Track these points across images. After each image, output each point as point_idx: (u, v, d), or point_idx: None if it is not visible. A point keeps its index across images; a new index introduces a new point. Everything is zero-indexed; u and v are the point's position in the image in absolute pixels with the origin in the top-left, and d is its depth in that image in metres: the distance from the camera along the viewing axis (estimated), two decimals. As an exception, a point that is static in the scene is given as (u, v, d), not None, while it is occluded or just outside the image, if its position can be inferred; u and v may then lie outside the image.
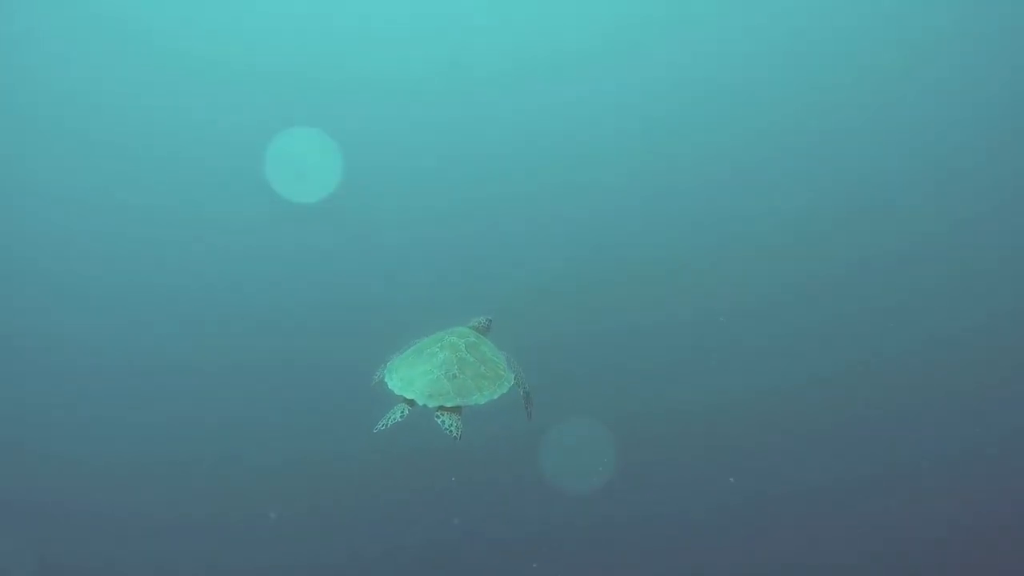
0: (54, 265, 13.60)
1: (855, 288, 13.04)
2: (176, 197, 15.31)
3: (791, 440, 9.78)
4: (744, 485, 9.06)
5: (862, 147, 16.24)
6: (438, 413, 4.23)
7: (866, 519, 8.61)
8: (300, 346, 11.33)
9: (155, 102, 16.18)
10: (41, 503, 8.92)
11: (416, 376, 4.39)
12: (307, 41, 17.75)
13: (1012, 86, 15.90)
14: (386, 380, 4.47)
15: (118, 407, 10.65)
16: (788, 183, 15.91)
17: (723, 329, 12.08)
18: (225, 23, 16.98)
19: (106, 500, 9.02)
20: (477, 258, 14.87)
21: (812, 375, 10.90)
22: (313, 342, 11.40)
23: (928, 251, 13.58)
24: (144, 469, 9.50)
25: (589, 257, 14.45)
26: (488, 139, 17.70)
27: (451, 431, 4.16)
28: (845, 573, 8.11)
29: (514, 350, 5.07)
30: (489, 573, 8.38)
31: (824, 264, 13.67)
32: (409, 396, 4.28)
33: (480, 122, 17.86)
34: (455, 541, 8.52)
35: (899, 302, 12.50)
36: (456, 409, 4.28)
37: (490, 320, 5.33)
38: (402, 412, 4.28)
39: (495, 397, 4.37)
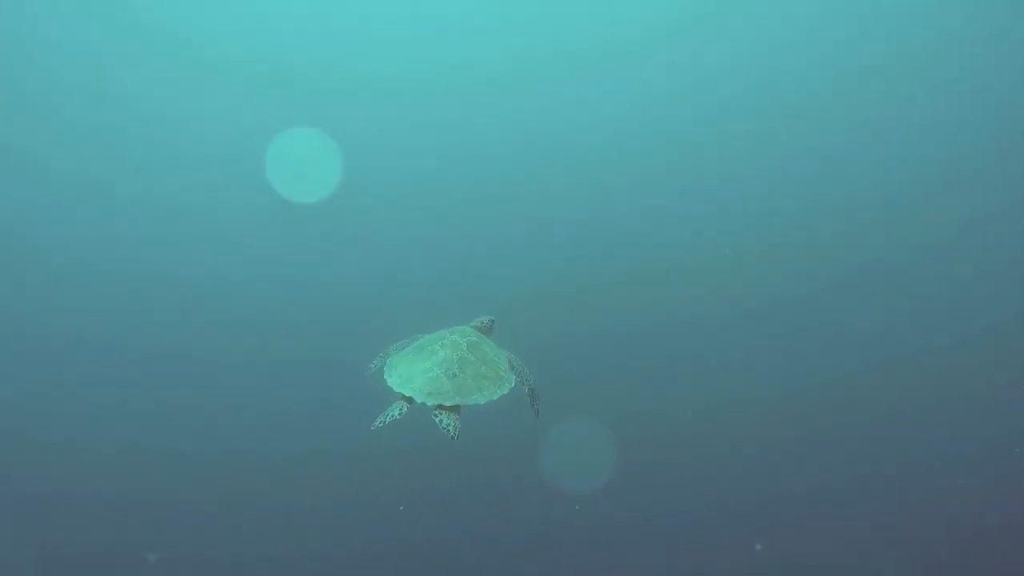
0: (56, 256, 13.64)
1: (855, 290, 13.04)
2: (175, 196, 15.30)
3: (791, 441, 9.78)
4: (744, 485, 9.06)
5: (863, 149, 16.22)
6: (436, 412, 4.17)
7: (866, 520, 8.61)
8: (300, 345, 11.34)
9: (155, 100, 16.16)
10: (39, 489, 8.96)
11: (416, 373, 4.32)
12: (307, 41, 17.74)
13: (1018, 87, 15.89)
14: (385, 377, 4.41)
15: (115, 396, 10.69)
16: (790, 185, 15.91)
17: (723, 330, 12.08)
18: (224, 23, 16.97)
19: (103, 487, 9.05)
20: (477, 258, 14.86)
21: (812, 377, 10.91)
22: (313, 341, 11.41)
23: (931, 253, 13.57)
24: (142, 458, 9.54)
25: (589, 258, 14.45)
26: (488, 139, 17.69)
27: (449, 430, 4.10)
28: (845, 573, 8.11)
29: (515, 350, 5.05)
30: (488, 572, 8.38)
31: (825, 266, 13.67)
32: (408, 393, 4.22)
33: (480, 122, 17.85)
34: (454, 540, 8.52)
35: (899, 304, 12.49)
36: (455, 408, 4.22)
37: (492, 320, 5.24)
38: (400, 409, 4.23)
39: (495, 398, 4.30)
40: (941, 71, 16.55)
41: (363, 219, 15.41)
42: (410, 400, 4.25)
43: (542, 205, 15.98)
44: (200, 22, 16.93)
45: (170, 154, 15.99)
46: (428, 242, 15.13)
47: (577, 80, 18.18)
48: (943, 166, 15.39)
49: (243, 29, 17.20)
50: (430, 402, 4.15)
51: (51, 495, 8.93)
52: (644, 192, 16.37)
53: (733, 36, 17.82)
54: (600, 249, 14.69)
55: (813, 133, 16.70)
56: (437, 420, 4.14)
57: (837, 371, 10.99)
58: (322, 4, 17.91)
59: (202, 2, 16.87)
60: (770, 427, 9.99)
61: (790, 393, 10.64)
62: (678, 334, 12.16)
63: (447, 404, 4.16)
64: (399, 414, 4.20)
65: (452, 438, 4.09)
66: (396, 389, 4.29)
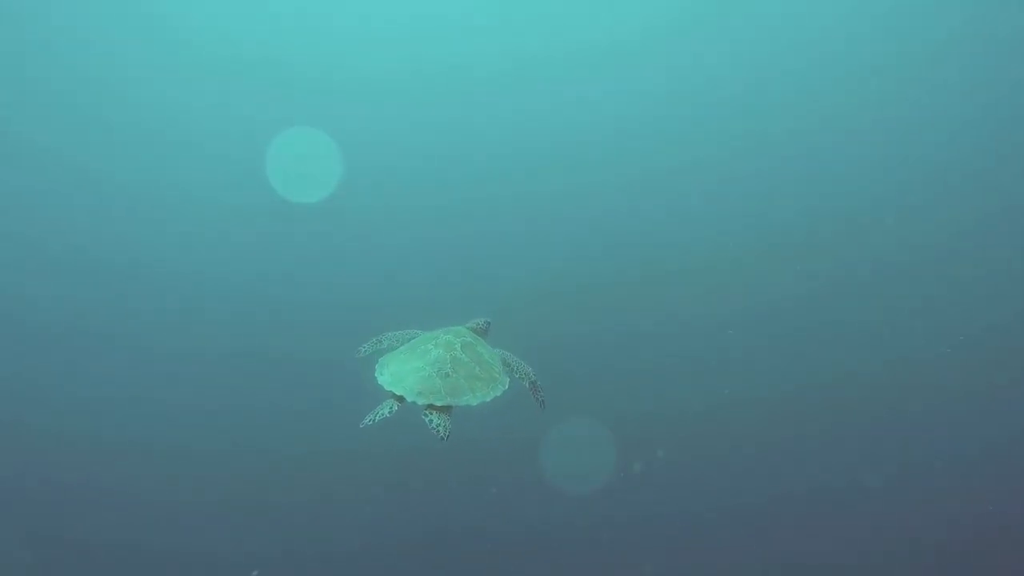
0: (55, 248, 13.67)
1: (855, 290, 13.04)
2: (174, 195, 15.31)
3: (791, 441, 9.78)
4: (744, 485, 9.06)
5: (864, 149, 16.22)
6: (426, 411, 4.09)
7: (866, 520, 8.61)
8: (299, 344, 11.33)
9: (155, 99, 16.17)
10: (27, 482, 9.00)
11: (407, 372, 4.24)
12: (307, 41, 17.75)
13: (1018, 87, 15.88)
14: (377, 375, 4.33)
15: (112, 391, 10.71)
16: (791, 187, 15.91)
17: (723, 331, 12.07)
18: (224, 24, 16.97)
19: (97, 480, 9.07)
20: (477, 258, 14.86)
21: (813, 377, 10.90)
22: (312, 340, 11.39)
23: (931, 254, 13.57)
24: (139, 453, 9.55)
25: (589, 258, 14.45)
26: (488, 139, 17.70)
27: (438, 431, 4.01)
28: (845, 573, 8.11)
29: (515, 350, 5.03)
30: (487, 572, 8.37)
31: (825, 266, 13.66)
32: (399, 392, 4.14)
33: (480, 122, 17.86)
34: (452, 539, 8.51)
35: (899, 305, 12.49)
36: (446, 409, 4.14)
37: (488, 322, 5.17)
38: (391, 408, 4.14)
39: (488, 399, 4.21)
40: (941, 71, 16.55)
41: (363, 219, 15.41)
42: (401, 399, 4.17)
43: (542, 205, 15.98)
44: (201, 22, 16.93)
45: (169, 153, 16.00)
46: (428, 242, 15.13)
47: (577, 80, 18.19)
48: (943, 166, 15.39)
49: (243, 29, 17.21)
50: (421, 401, 4.07)
51: (40, 487, 8.95)
52: (644, 192, 16.38)
53: (733, 37, 17.83)
54: (600, 249, 14.68)
55: (813, 133, 16.70)
56: (427, 420, 4.05)
57: (837, 371, 10.98)
58: (323, 4, 17.91)
59: (203, 3, 16.87)
60: (770, 427, 9.99)
61: (790, 393, 10.64)
62: (678, 334, 12.16)
63: (438, 404, 4.08)
64: (389, 413, 4.12)
65: (442, 439, 4.00)
66: (387, 387, 4.20)
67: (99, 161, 15.41)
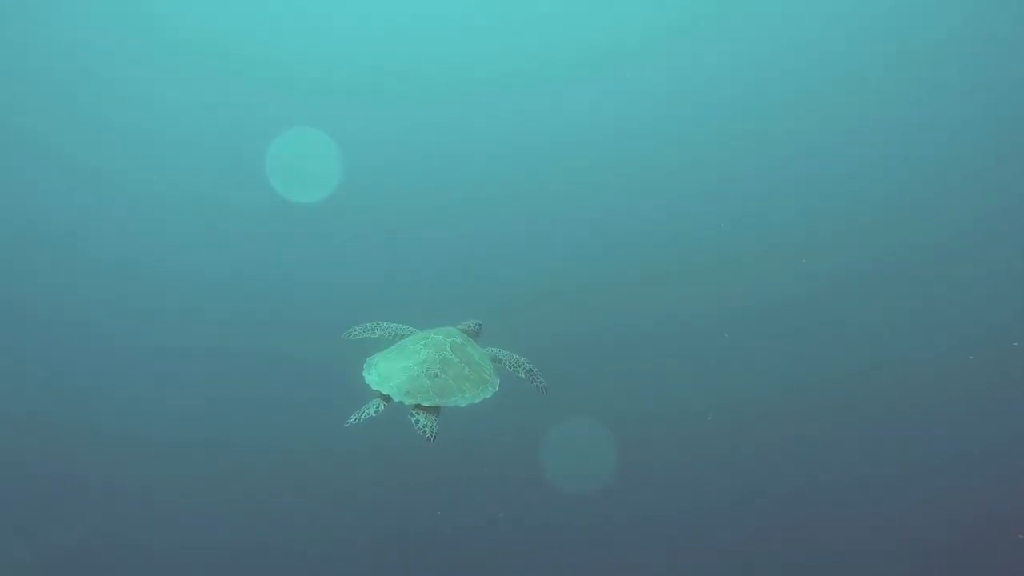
0: (54, 244, 13.72)
1: (855, 291, 13.03)
2: (173, 194, 15.30)
3: (792, 441, 9.78)
4: (745, 485, 9.05)
5: (865, 150, 16.21)
6: (413, 412, 4.03)
7: (867, 520, 8.61)
8: (299, 343, 11.34)
9: (154, 97, 16.15)
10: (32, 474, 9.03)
11: (395, 372, 4.20)
12: (307, 41, 17.75)
13: (1018, 87, 15.88)
14: (364, 374, 4.30)
15: (109, 386, 10.74)
16: (791, 186, 15.90)
17: (723, 330, 12.07)
18: (224, 24, 16.98)
19: (90, 474, 9.10)
20: (477, 258, 14.86)
21: (813, 376, 10.90)
22: (311, 339, 11.40)
23: (931, 254, 13.57)
24: (138, 449, 9.57)
25: (589, 258, 14.44)
26: (488, 139, 17.69)
27: (425, 431, 3.94)
28: (845, 572, 8.11)
29: (513, 350, 5.02)
30: (485, 570, 8.37)
31: (826, 266, 13.66)
32: (386, 391, 4.09)
33: (480, 122, 17.85)
34: (449, 539, 8.51)
35: (899, 305, 12.49)
36: (434, 409, 4.08)
37: (480, 324, 5.13)
38: (377, 407, 4.10)
39: (476, 401, 4.16)
40: (941, 71, 16.54)
41: (363, 219, 15.40)
42: (388, 399, 4.13)
43: (542, 205, 15.97)
44: (201, 22, 16.93)
45: (168, 151, 15.99)
46: (428, 242, 15.13)
47: (578, 80, 18.18)
48: (944, 166, 15.38)
49: (242, 29, 17.21)
50: (408, 401, 4.03)
51: (32, 480, 8.98)
52: (644, 192, 16.37)
53: (733, 37, 17.83)
54: (600, 249, 14.68)
55: (813, 133, 16.69)
56: (413, 420, 3.99)
57: (837, 371, 10.98)
58: (323, 4, 17.91)
59: (204, 3, 16.88)
60: (771, 427, 9.99)
61: (790, 393, 10.64)
62: (678, 334, 12.16)
63: (425, 404, 4.03)
64: (375, 412, 4.07)
65: (428, 439, 3.94)
66: (374, 387, 4.17)
67: (99, 160, 15.41)
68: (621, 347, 11.71)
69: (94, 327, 12.10)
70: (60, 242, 13.87)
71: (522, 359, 4.83)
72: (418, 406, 4.02)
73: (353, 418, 4.04)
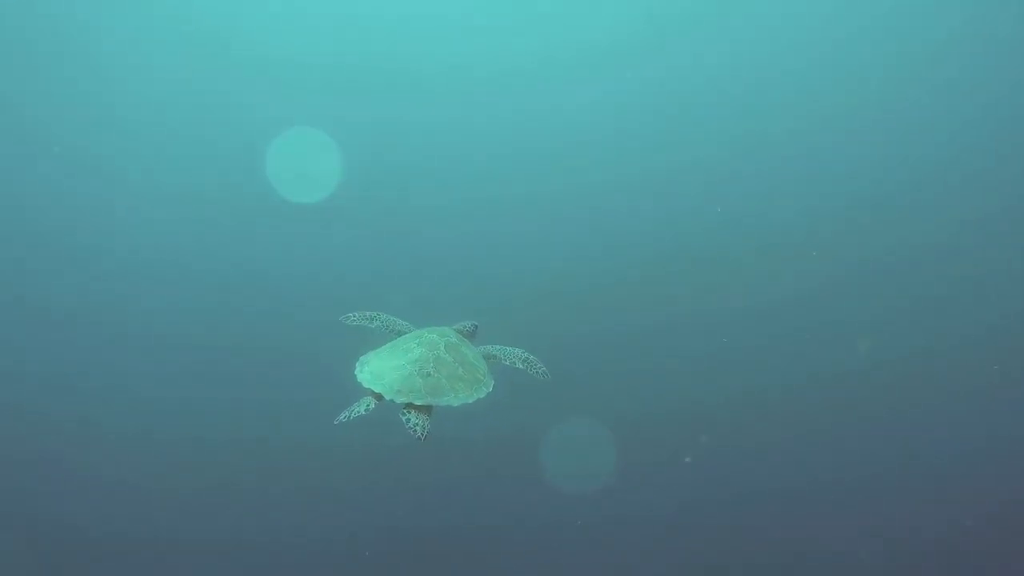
0: (54, 240, 13.78)
1: (855, 289, 13.05)
2: (171, 193, 15.32)
3: (791, 441, 9.79)
4: (745, 482, 9.07)
5: (865, 150, 16.21)
6: (404, 410, 3.99)
7: (867, 518, 8.62)
8: (296, 343, 11.36)
9: (153, 95, 16.17)
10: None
11: (387, 370, 4.15)
12: (307, 40, 17.75)
13: (1018, 87, 15.88)
14: (356, 372, 4.26)
15: (107, 383, 10.79)
16: (790, 186, 15.91)
17: (723, 329, 12.08)
18: (224, 25, 16.98)
19: (84, 469, 9.15)
20: (476, 258, 14.87)
21: (813, 375, 10.91)
22: (311, 339, 11.42)
23: (932, 253, 13.58)
24: (137, 445, 9.62)
25: (588, 258, 14.46)
26: (488, 139, 17.69)
27: (416, 430, 3.91)
28: (845, 570, 8.11)
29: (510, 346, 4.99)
30: (477, 570, 8.39)
31: (826, 265, 13.67)
32: (377, 390, 4.05)
33: (480, 122, 17.85)
34: (444, 537, 8.53)
35: (899, 303, 12.50)
36: (426, 409, 4.04)
37: (476, 325, 5.08)
38: (367, 406, 4.06)
39: (469, 401, 4.11)
40: (942, 71, 16.55)
41: (363, 219, 15.42)
42: (379, 397, 4.09)
43: (542, 205, 15.98)
44: (202, 22, 16.94)
45: (168, 151, 15.99)
46: (428, 242, 15.15)
47: (578, 79, 18.18)
48: (940, 168, 15.40)
49: (243, 29, 17.21)
50: (399, 400, 3.98)
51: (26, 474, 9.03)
52: (644, 191, 16.37)
53: (733, 36, 17.82)
54: (600, 249, 14.70)
55: (813, 133, 16.70)
56: (404, 419, 3.96)
57: (838, 369, 11.00)
58: (324, 4, 17.92)
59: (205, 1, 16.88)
60: (770, 426, 10.00)
61: (789, 392, 10.66)
62: (678, 334, 12.18)
63: (417, 403, 3.99)
64: (365, 410, 4.04)
65: (419, 439, 3.91)
66: (366, 385, 4.12)
67: (98, 157, 15.42)
68: (620, 347, 11.72)
69: (93, 324, 12.13)
70: (59, 239, 13.90)
71: (517, 350, 4.81)
72: (410, 405, 3.98)
73: (343, 416, 4.02)
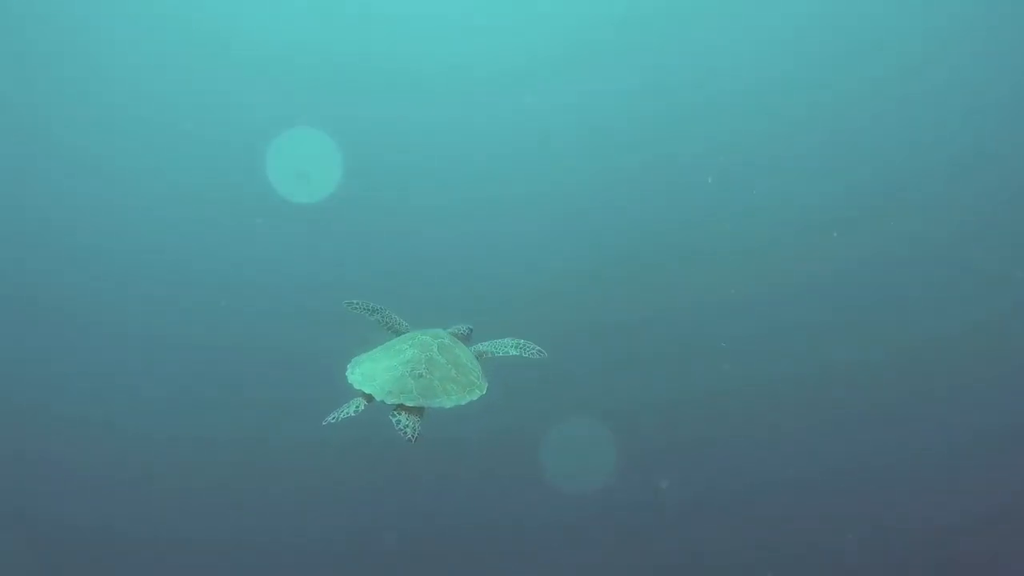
0: (54, 237, 13.80)
1: (854, 287, 13.03)
2: (169, 192, 15.32)
3: (793, 432, 9.80)
4: (744, 476, 9.07)
5: (863, 147, 16.20)
6: (395, 412, 3.93)
7: (868, 509, 8.63)
8: (296, 343, 11.36)
9: (152, 94, 16.17)
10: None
11: (379, 371, 4.10)
12: (307, 40, 17.74)
13: (1018, 87, 15.85)
14: (347, 374, 4.22)
15: (106, 380, 10.81)
16: (790, 185, 15.88)
17: (721, 327, 12.08)
18: (224, 25, 16.98)
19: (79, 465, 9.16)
20: (476, 259, 14.88)
21: (813, 370, 10.91)
22: (311, 340, 11.43)
23: (929, 251, 13.57)
24: (136, 442, 9.63)
25: (587, 257, 14.45)
26: (489, 138, 17.68)
27: (406, 432, 3.83)
28: (846, 566, 8.12)
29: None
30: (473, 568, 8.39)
31: (827, 263, 13.67)
32: (368, 391, 4.00)
33: (480, 121, 17.84)
34: (440, 536, 8.53)
35: (899, 300, 12.50)
36: (417, 410, 3.98)
37: (471, 328, 5.00)
38: (357, 407, 3.99)
39: (462, 403, 4.03)
40: (942, 70, 16.52)
41: (363, 218, 15.42)
42: (370, 398, 4.04)
43: (542, 204, 15.97)
44: (202, 21, 16.93)
45: (168, 150, 15.99)
46: (427, 242, 15.15)
47: (579, 79, 18.15)
48: (938, 166, 15.38)
49: (242, 29, 17.21)
50: (390, 401, 3.92)
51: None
52: (644, 189, 16.36)
53: (734, 32, 17.77)
54: (598, 249, 14.70)
55: (813, 130, 16.67)
56: (394, 420, 3.89)
57: (837, 364, 11.00)
58: (325, 4, 17.90)
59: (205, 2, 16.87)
60: (768, 421, 10.00)
61: (790, 386, 10.65)
62: (678, 333, 12.17)
63: (409, 404, 3.93)
64: (354, 412, 3.97)
65: (410, 440, 3.83)
66: (356, 386, 4.08)
67: (98, 156, 15.42)
68: (620, 345, 11.73)
69: (93, 324, 12.15)
70: (59, 238, 13.91)
71: (507, 339, 4.77)
72: (401, 406, 3.92)
73: (331, 417, 3.96)
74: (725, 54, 17.72)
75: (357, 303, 4.94)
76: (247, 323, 12.48)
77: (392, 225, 15.45)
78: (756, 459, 9.45)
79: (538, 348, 4.73)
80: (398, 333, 4.92)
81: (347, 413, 3.97)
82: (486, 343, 4.83)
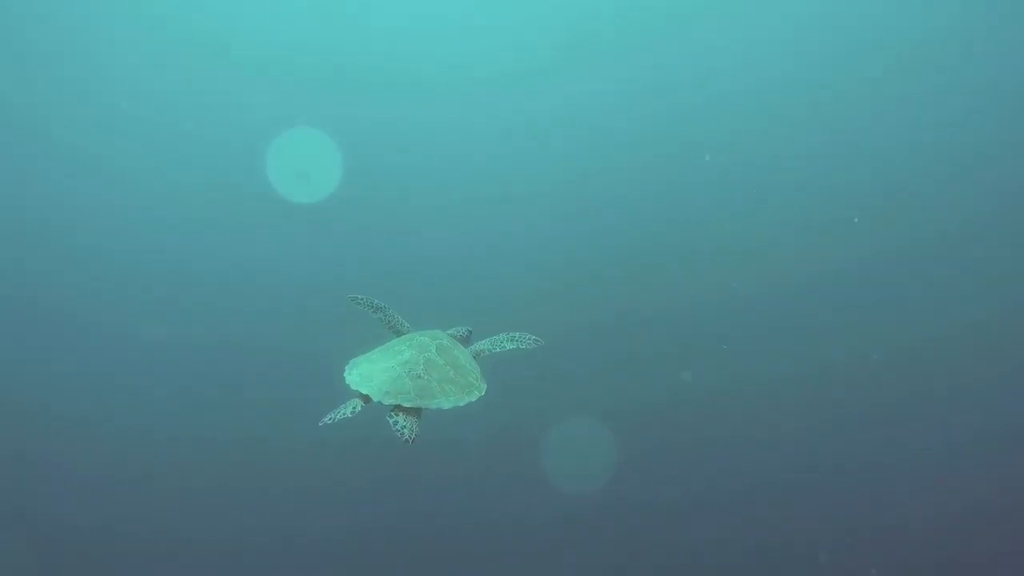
0: (54, 237, 13.82)
1: (854, 287, 13.03)
2: (168, 193, 15.32)
3: (791, 434, 9.79)
4: (743, 475, 9.07)
5: (863, 147, 16.19)
6: (392, 412, 3.90)
7: (867, 509, 8.63)
8: (296, 343, 11.36)
9: (158, 93, 16.17)
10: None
11: (376, 372, 4.07)
12: (307, 40, 17.74)
13: (1018, 87, 15.84)
14: (345, 375, 4.19)
15: (106, 378, 10.82)
16: (790, 184, 15.88)
17: (721, 327, 12.08)
18: (224, 24, 16.98)
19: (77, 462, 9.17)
20: (476, 259, 14.88)
21: (810, 373, 10.91)
22: (311, 340, 11.44)
23: (929, 251, 13.56)
24: (137, 440, 9.64)
25: (587, 257, 14.45)
26: (489, 138, 17.68)
27: (403, 433, 3.80)
28: (844, 561, 8.12)
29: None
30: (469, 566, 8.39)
31: (825, 263, 13.66)
32: (365, 391, 3.97)
33: (480, 121, 17.83)
34: (437, 534, 8.53)
35: (899, 300, 12.49)
36: (415, 411, 3.95)
37: (470, 331, 4.97)
38: (354, 408, 3.96)
39: (460, 404, 4.00)
40: (942, 70, 16.51)
41: (363, 218, 15.42)
42: (367, 399, 4.02)
43: (542, 204, 15.97)
44: (203, 21, 16.93)
45: (167, 150, 15.99)
46: (427, 242, 15.15)
47: (579, 77, 18.14)
48: (937, 166, 15.37)
49: (242, 29, 17.20)
50: (387, 401, 3.89)
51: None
52: (644, 190, 16.35)
53: (735, 30, 17.75)
54: (600, 247, 14.70)
55: (813, 131, 16.66)
56: (391, 421, 3.86)
57: (837, 364, 11.00)
58: (325, 4, 17.90)
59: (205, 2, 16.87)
60: (771, 419, 10.00)
61: (790, 386, 10.65)
62: (678, 333, 12.17)
63: (406, 405, 3.90)
64: (351, 413, 3.95)
65: (406, 441, 3.80)
66: (353, 387, 4.05)
67: (98, 155, 15.42)
68: (620, 344, 11.73)
69: (93, 324, 12.16)
70: (59, 238, 13.91)
71: (501, 335, 4.75)
72: (398, 407, 3.89)
73: (328, 418, 3.92)
74: (725, 54, 17.70)
75: (361, 299, 4.92)
76: (247, 323, 12.49)
77: (392, 225, 15.45)
78: (756, 459, 9.45)
79: (533, 337, 4.71)
80: (399, 333, 4.90)
81: (343, 414, 3.94)
82: (482, 342, 4.82)
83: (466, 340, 4.92)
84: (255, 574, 8.42)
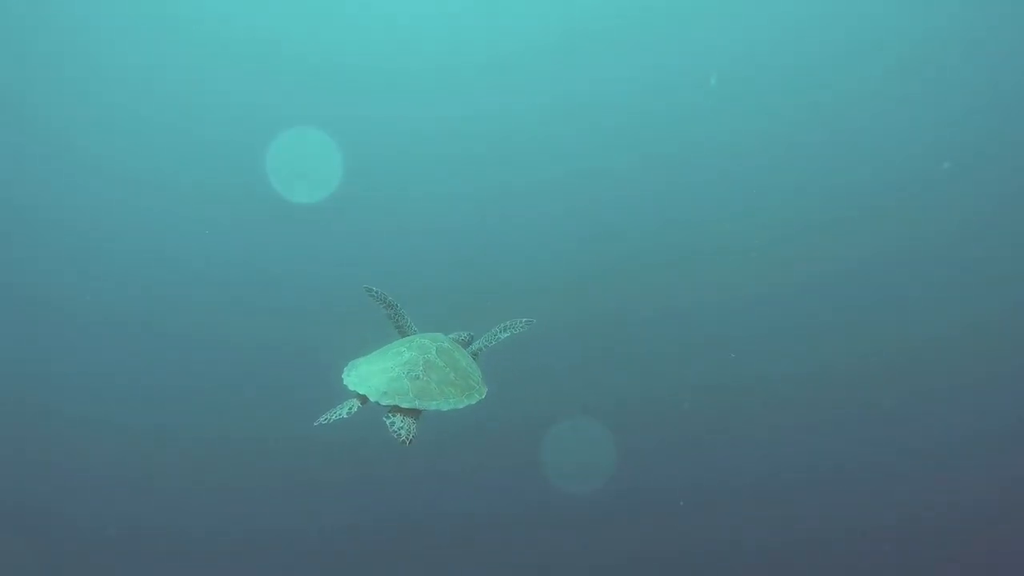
0: (55, 236, 13.83)
1: (854, 287, 13.03)
2: (168, 192, 15.32)
3: (791, 434, 9.79)
4: (743, 479, 9.07)
5: (862, 146, 16.18)
6: (389, 413, 3.85)
7: (867, 509, 8.63)
8: (296, 342, 11.37)
9: (159, 92, 16.16)
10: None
11: (375, 373, 4.04)
12: (307, 39, 17.74)
13: (1018, 87, 15.83)
14: (344, 376, 4.14)
15: (106, 377, 10.83)
16: (789, 183, 15.87)
17: (721, 327, 12.08)
18: (223, 24, 16.97)
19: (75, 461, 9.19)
20: (475, 259, 14.87)
21: (810, 373, 10.91)
22: (312, 339, 11.44)
23: (929, 251, 13.56)
24: (138, 438, 9.65)
25: (587, 257, 14.45)
26: (489, 139, 17.67)
27: (400, 434, 3.75)
28: (844, 561, 8.11)
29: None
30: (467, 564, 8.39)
31: (825, 263, 13.66)
32: (362, 392, 3.92)
33: (481, 120, 17.83)
34: (434, 532, 8.53)
35: (899, 300, 12.49)
36: (413, 412, 3.90)
37: (471, 335, 4.95)
38: (350, 408, 3.91)
39: (460, 406, 3.96)
40: (942, 70, 16.51)
41: (363, 218, 15.42)
42: (364, 400, 3.96)
43: (543, 204, 15.97)
44: (204, 21, 16.93)
45: (168, 149, 15.99)
46: (427, 242, 15.15)
47: (579, 77, 18.14)
48: (936, 165, 15.37)
49: (243, 28, 17.20)
50: (384, 402, 3.83)
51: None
52: (644, 189, 16.35)
53: (736, 27, 17.74)
54: (599, 244, 14.70)
55: (813, 131, 16.65)
56: (388, 422, 3.81)
57: (837, 364, 11.00)
58: (325, 4, 17.89)
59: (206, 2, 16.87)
60: (771, 419, 10.00)
61: (790, 386, 10.65)
62: (677, 332, 12.17)
63: (404, 406, 3.85)
64: (347, 413, 3.89)
65: (404, 443, 3.75)
66: (351, 388, 4.00)
67: (99, 154, 15.42)
68: (619, 344, 11.72)
69: (93, 324, 12.17)
70: (60, 238, 13.91)
71: (495, 328, 4.74)
72: (396, 408, 3.84)
73: (323, 418, 3.88)
74: (725, 54, 17.69)
75: (376, 291, 4.85)
76: (247, 323, 12.48)
77: (392, 225, 15.45)
78: (756, 458, 9.45)
79: (524, 320, 4.71)
80: (404, 334, 4.86)
81: (339, 415, 3.90)
82: (479, 341, 4.79)
83: (467, 345, 4.88)
84: (253, 572, 8.42)
